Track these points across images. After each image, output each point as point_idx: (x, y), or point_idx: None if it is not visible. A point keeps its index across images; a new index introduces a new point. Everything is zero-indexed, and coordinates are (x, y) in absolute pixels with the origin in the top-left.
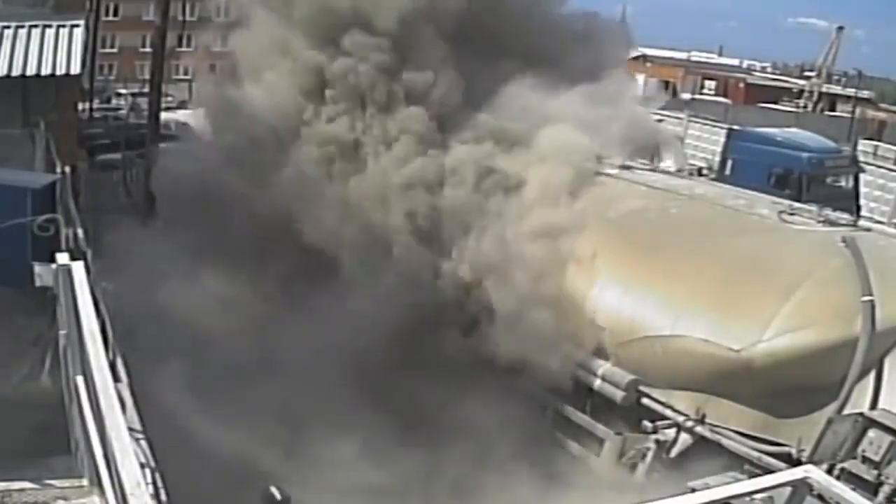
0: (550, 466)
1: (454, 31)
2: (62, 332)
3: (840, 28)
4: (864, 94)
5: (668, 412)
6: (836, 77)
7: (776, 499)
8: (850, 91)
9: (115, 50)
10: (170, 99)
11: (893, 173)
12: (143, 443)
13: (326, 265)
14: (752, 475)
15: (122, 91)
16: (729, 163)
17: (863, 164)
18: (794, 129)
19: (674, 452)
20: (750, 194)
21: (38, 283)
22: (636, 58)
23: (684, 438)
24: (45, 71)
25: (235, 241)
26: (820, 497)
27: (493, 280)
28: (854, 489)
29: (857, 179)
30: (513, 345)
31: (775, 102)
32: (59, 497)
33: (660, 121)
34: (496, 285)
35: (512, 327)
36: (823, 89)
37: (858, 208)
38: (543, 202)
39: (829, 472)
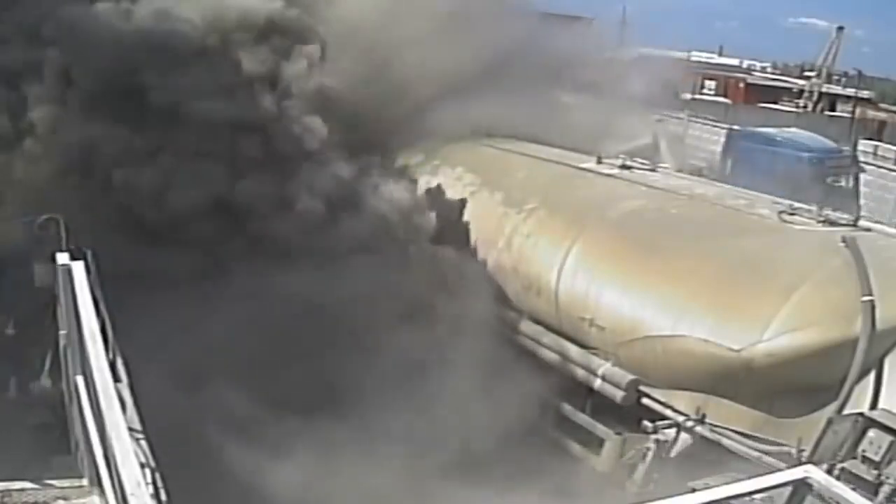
0: (550, 467)
1: None
2: (62, 332)
3: (840, 28)
4: (864, 94)
5: (668, 412)
6: (836, 77)
7: (776, 499)
8: (850, 91)
9: None
10: None
11: (893, 173)
12: (143, 443)
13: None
14: (752, 475)
15: None
16: (729, 163)
17: (863, 164)
18: (794, 129)
19: (674, 452)
20: (750, 194)
21: (38, 283)
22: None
23: (684, 438)
24: None
25: None
26: (820, 497)
27: None
28: (854, 489)
29: (857, 179)
30: None
31: (775, 102)
32: (59, 497)
33: (660, 121)
34: None
35: None
36: (823, 89)
37: (858, 208)
38: None
39: (829, 472)
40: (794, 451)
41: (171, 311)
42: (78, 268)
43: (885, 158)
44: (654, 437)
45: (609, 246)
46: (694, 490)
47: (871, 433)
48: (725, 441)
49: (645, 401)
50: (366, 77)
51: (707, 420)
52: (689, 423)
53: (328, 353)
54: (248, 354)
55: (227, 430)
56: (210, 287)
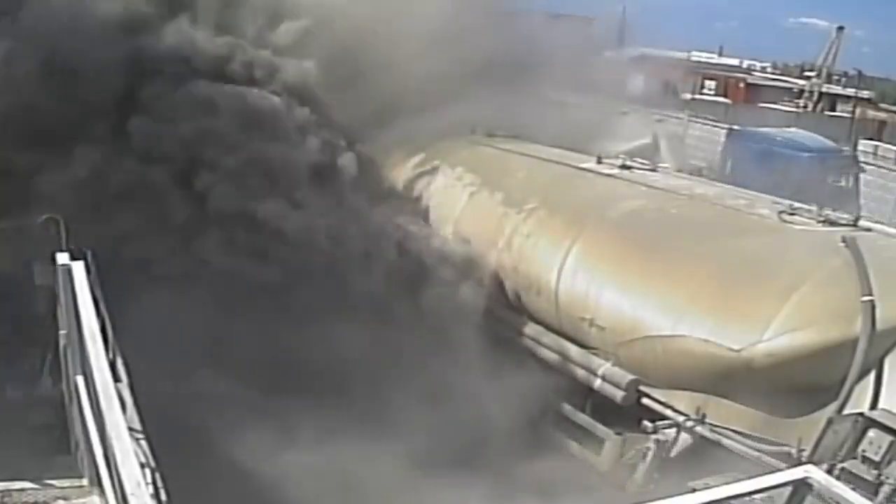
0: (550, 466)
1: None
2: (62, 332)
3: (840, 28)
4: (864, 94)
5: (668, 412)
6: (836, 77)
7: (776, 499)
8: (850, 91)
9: None
10: None
11: (893, 173)
12: (143, 443)
13: None
14: (752, 475)
15: None
16: (729, 163)
17: (863, 164)
18: (794, 129)
19: (674, 452)
20: (750, 194)
21: (37, 282)
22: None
23: (684, 438)
24: None
25: None
26: (820, 497)
27: None
28: (854, 489)
29: (857, 179)
30: None
31: (775, 102)
32: (59, 497)
33: (660, 121)
34: None
35: None
36: (823, 89)
37: (858, 208)
38: None
39: (829, 472)
40: (794, 451)
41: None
42: (78, 268)
43: (885, 158)
44: (654, 437)
45: (609, 246)
46: (694, 490)
47: (871, 433)
48: (725, 441)
49: (645, 401)
50: (362, 79)
51: (707, 420)
52: (689, 423)
53: (331, 350)
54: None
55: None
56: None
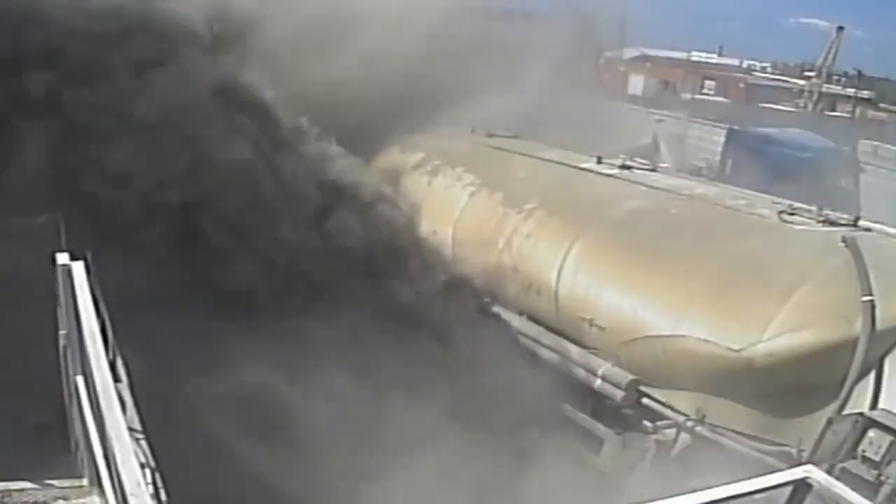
0: (550, 466)
1: None
2: (62, 333)
3: (840, 28)
4: (864, 94)
5: (668, 412)
6: (836, 77)
7: (776, 499)
8: (850, 91)
9: None
10: None
11: (893, 173)
12: (143, 443)
13: None
14: (752, 475)
15: None
16: (729, 163)
17: (863, 164)
18: (794, 129)
19: (674, 452)
20: (750, 194)
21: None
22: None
23: (684, 438)
24: None
25: None
26: (820, 497)
27: None
28: (854, 489)
29: (857, 179)
30: None
31: (775, 102)
32: (59, 497)
33: (660, 121)
34: None
35: None
36: (823, 89)
37: (858, 208)
38: None
39: (829, 472)
40: (794, 451)
41: None
42: (78, 268)
43: (885, 158)
44: (654, 437)
45: (609, 246)
46: (694, 490)
47: (871, 433)
48: (725, 441)
49: (645, 401)
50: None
51: (707, 420)
52: (689, 423)
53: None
54: None
55: None
56: None
